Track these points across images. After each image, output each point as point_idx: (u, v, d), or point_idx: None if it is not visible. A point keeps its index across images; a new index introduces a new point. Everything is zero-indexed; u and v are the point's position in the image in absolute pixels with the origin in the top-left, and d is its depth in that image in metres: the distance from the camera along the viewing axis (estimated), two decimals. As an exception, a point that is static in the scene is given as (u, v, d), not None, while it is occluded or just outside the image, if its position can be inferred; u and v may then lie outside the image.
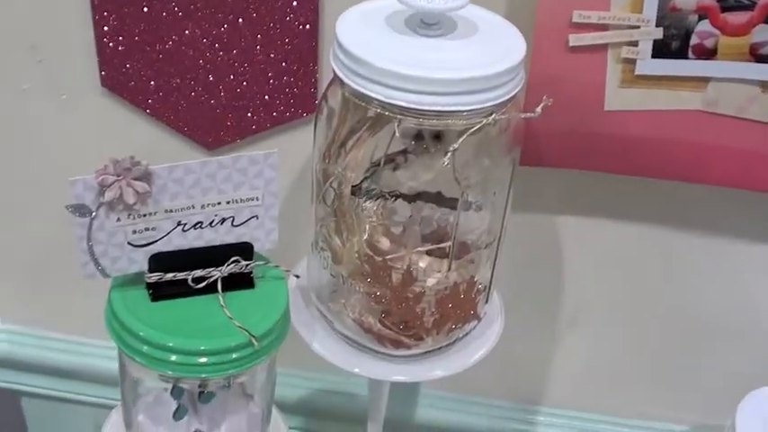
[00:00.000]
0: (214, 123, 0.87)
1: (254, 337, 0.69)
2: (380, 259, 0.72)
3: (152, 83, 0.86)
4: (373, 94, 0.66)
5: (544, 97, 0.71)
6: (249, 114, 0.87)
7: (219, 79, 0.85)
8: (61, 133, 0.92)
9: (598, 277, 0.96)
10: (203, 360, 0.69)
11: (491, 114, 0.68)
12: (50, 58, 0.87)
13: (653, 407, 1.04)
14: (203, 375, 0.70)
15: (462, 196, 0.73)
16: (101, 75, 0.87)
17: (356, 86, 0.67)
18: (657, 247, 0.93)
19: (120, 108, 0.89)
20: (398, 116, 0.67)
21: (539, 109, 0.70)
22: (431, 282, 0.73)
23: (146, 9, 0.82)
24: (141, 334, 0.69)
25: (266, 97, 0.86)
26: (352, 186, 0.74)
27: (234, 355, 0.70)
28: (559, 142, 0.82)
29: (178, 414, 0.77)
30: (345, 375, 1.03)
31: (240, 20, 0.82)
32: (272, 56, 0.84)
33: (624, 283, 0.96)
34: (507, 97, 0.67)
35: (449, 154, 0.66)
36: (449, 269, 0.74)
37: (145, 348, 0.69)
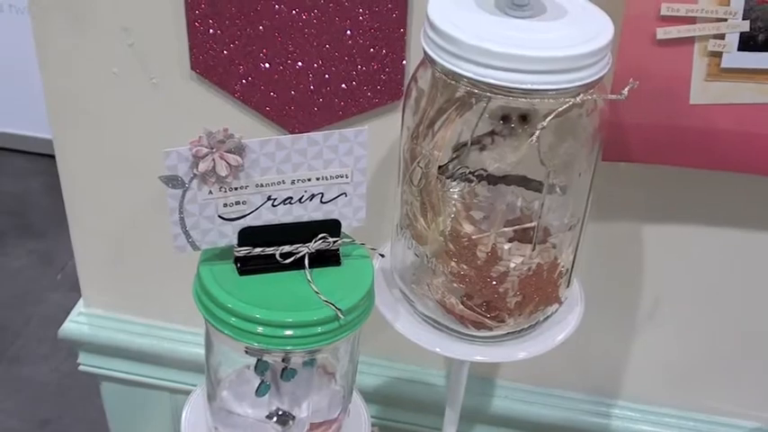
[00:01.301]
0: (301, 109, 0.89)
1: (339, 310, 0.70)
2: (466, 238, 0.73)
3: (241, 68, 0.88)
4: (463, 72, 0.67)
5: (630, 80, 0.71)
6: (336, 100, 0.89)
7: (308, 65, 0.87)
8: (150, 118, 0.94)
9: (679, 273, 0.95)
10: (289, 333, 0.70)
11: (578, 95, 0.68)
12: (141, 41, 0.89)
13: (726, 403, 1.03)
14: (288, 348, 0.71)
15: (547, 178, 0.73)
16: (191, 59, 0.88)
17: (446, 64, 0.68)
18: (739, 246, 0.93)
19: (210, 93, 0.91)
20: (487, 94, 0.68)
21: (625, 91, 0.71)
22: (515, 262, 0.74)
23: (237, -7, 0.84)
24: (229, 306, 0.70)
25: (353, 83, 0.87)
26: (440, 166, 0.74)
27: (319, 329, 0.71)
28: (644, 136, 0.82)
29: (261, 390, 0.78)
30: (424, 364, 1.06)
31: (330, 5, 0.83)
32: (360, 42, 0.85)
33: (704, 280, 0.95)
34: (594, 78, 0.68)
35: (537, 132, 0.67)
36: (533, 250, 0.74)
37: (233, 320, 0.70)
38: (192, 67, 0.90)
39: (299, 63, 0.87)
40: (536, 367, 1.01)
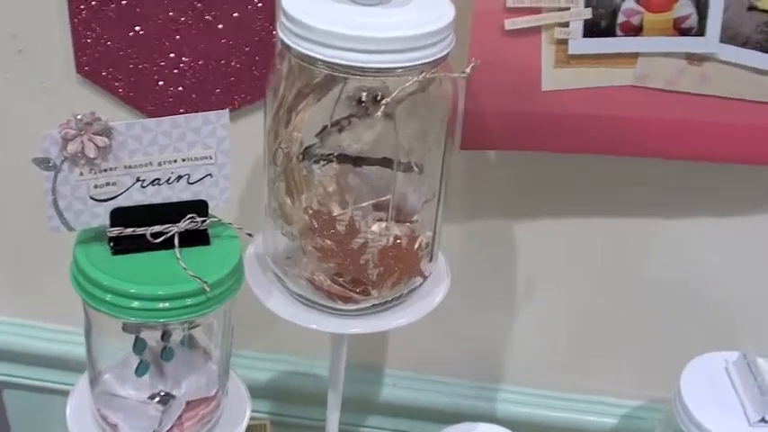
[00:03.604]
0: (182, 107, 0.93)
1: (205, 283, 0.74)
2: (327, 215, 0.77)
3: (123, 70, 0.92)
4: (317, 56, 0.72)
5: (473, 58, 0.77)
6: (214, 98, 0.93)
7: (186, 65, 0.91)
8: (39, 122, 0.97)
9: (547, 250, 1.01)
10: (163, 305, 0.74)
11: (422, 73, 0.73)
12: (30, 46, 0.94)
13: (606, 383, 1.09)
14: (161, 320, 0.75)
15: (397, 154, 0.78)
16: (76, 62, 0.93)
17: (302, 50, 0.73)
18: (600, 220, 0.99)
19: (96, 95, 0.95)
20: (341, 75, 0.73)
21: (468, 69, 0.76)
22: (372, 233, 0.78)
23: (116, -3, 0.89)
24: (105, 283, 0.74)
25: (232, 79, 0.92)
26: (304, 149, 0.79)
27: (189, 301, 0.74)
28: (501, 123, 0.88)
29: (140, 370, 0.82)
30: (310, 356, 1.10)
31: (202, 6, 0.88)
32: (233, 42, 0.90)
33: (576, 263, 1.01)
34: (437, 56, 0.73)
35: (382, 107, 0.72)
36: (388, 220, 0.79)
37: (108, 297, 0.74)
38: (78, 70, 0.93)
39: (180, 63, 0.92)
40: (421, 355, 1.06)
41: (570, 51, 0.84)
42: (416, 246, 0.81)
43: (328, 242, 0.79)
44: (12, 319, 1.13)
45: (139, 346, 0.81)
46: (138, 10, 0.89)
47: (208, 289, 0.74)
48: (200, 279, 0.74)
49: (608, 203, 0.97)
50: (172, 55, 0.91)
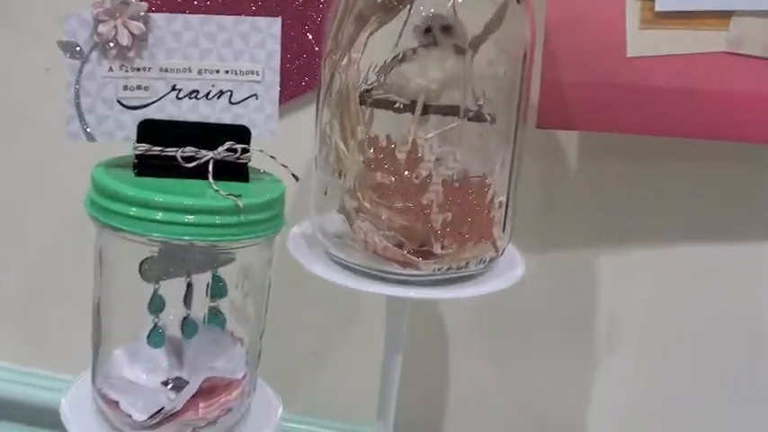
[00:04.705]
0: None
1: (238, 198, 0.63)
2: (385, 143, 0.68)
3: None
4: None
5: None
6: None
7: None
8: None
9: (636, 282, 0.89)
10: (189, 218, 0.63)
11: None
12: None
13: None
14: (186, 237, 0.64)
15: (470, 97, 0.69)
16: None
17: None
18: (708, 242, 0.87)
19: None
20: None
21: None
22: (435, 154, 0.68)
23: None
24: (128, 194, 0.64)
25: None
26: (362, 92, 0.71)
27: (218, 219, 0.64)
28: (581, 97, 0.79)
29: (152, 337, 0.70)
30: (354, 420, 0.94)
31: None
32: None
33: (666, 290, 0.89)
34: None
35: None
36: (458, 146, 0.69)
37: (132, 210, 0.63)
38: None
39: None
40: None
41: (657, 8, 0.76)
42: (488, 198, 0.70)
43: (386, 177, 0.68)
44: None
45: (156, 303, 0.69)
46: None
47: (240, 205, 0.63)
48: (232, 196, 0.63)
49: (718, 219, 0.85)
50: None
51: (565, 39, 0.75)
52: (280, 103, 0.69)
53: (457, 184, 0.68)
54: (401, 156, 0.68)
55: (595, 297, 0.90)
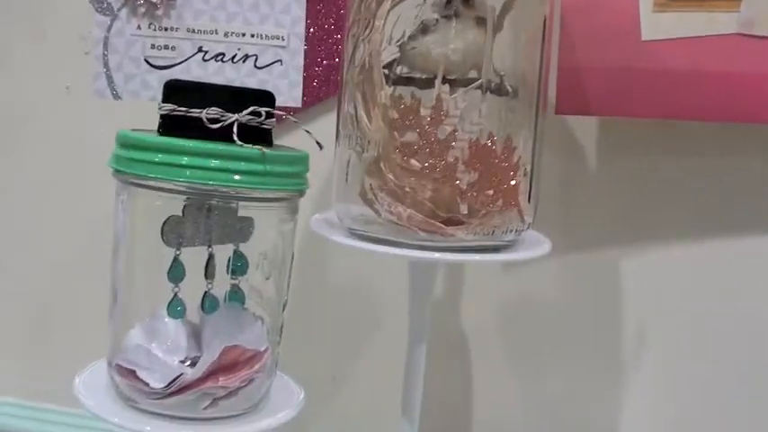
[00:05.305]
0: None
1: (263, 149, 0.63)
2: (411, 99, 0.68)
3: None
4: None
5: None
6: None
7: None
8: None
9: (663, 284, 0.87)
10: (215, 163, 0.63)
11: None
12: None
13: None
14: (212, 183, 0.63)
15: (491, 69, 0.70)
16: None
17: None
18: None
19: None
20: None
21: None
22: (460, 108, 0.68)
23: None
24: (155, 141, 0.64)
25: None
26: (384, 65, 0.71)
27: (243, 165, 0.63)
28: (598, 83, 0.79)
29: (173, 306, 0.68)
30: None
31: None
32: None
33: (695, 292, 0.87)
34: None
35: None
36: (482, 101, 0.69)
37: (158, 157, 0.63)
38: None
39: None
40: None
41: (669, -12, 0.77)
42: (513, 159, 0.70)
43: (410, 135, 0.68)
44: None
45: (177, 270, 0.68)
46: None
47: (265, 151, 0.63)
48: (257, 146, 0.63)
49: (744, 213, 0.84)
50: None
51: (581, 23, 0.76)
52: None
53: (483, 142, 0.68)
54: (426, 112, 0.67)
55: (620, 302, 0.88)
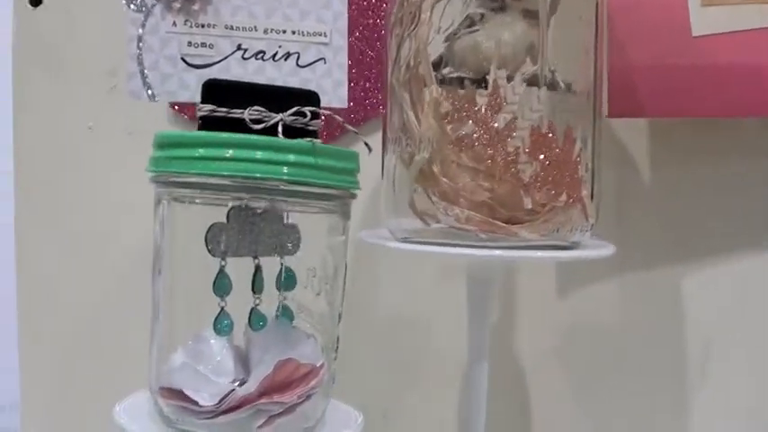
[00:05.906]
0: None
1: (314, 141, 0.59)
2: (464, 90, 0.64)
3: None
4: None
5: None
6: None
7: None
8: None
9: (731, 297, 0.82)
10: (261, 155, 0.59)
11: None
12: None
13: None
14: (258, 175, 0.59)
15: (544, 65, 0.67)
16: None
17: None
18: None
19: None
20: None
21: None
22: (518, 94, 0.64)
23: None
24: (195, 136, 0.60)
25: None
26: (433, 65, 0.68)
27: (292, 157, 0.59)
28: (650, 83, 0.76)
29: (221, 322, 0.63)
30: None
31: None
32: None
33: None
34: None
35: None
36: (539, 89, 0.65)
37: (200, 152, 0.59)
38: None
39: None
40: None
41: (716, -17, 0.74)
42: (575, 151, 0.66)
43: (467, 127, 0.64)
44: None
45: (223, 282, 0.63)
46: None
47: (314, 141, 0.59)
48: (307, 138, 0.59)
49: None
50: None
51: (629, 21, 0.73)
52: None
53: (544, 131, 0.64)
54: (482, 100, 0.63)
55: (683, 320, 0.83)
